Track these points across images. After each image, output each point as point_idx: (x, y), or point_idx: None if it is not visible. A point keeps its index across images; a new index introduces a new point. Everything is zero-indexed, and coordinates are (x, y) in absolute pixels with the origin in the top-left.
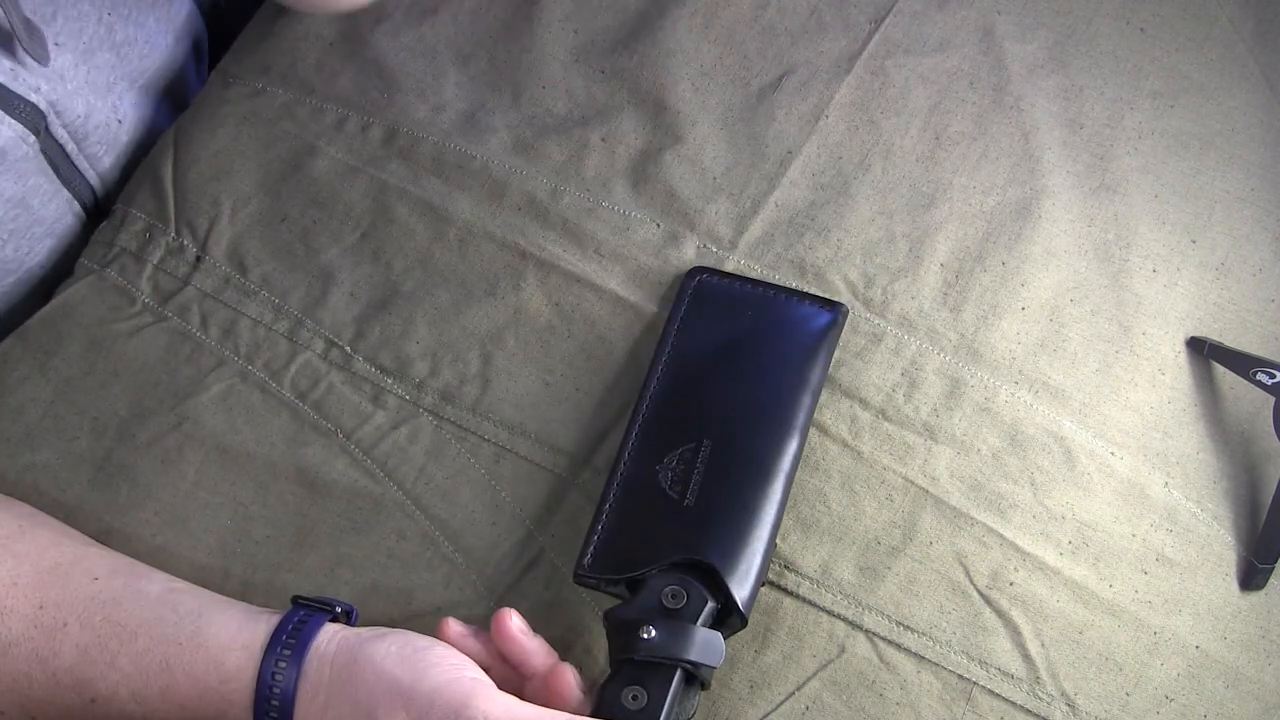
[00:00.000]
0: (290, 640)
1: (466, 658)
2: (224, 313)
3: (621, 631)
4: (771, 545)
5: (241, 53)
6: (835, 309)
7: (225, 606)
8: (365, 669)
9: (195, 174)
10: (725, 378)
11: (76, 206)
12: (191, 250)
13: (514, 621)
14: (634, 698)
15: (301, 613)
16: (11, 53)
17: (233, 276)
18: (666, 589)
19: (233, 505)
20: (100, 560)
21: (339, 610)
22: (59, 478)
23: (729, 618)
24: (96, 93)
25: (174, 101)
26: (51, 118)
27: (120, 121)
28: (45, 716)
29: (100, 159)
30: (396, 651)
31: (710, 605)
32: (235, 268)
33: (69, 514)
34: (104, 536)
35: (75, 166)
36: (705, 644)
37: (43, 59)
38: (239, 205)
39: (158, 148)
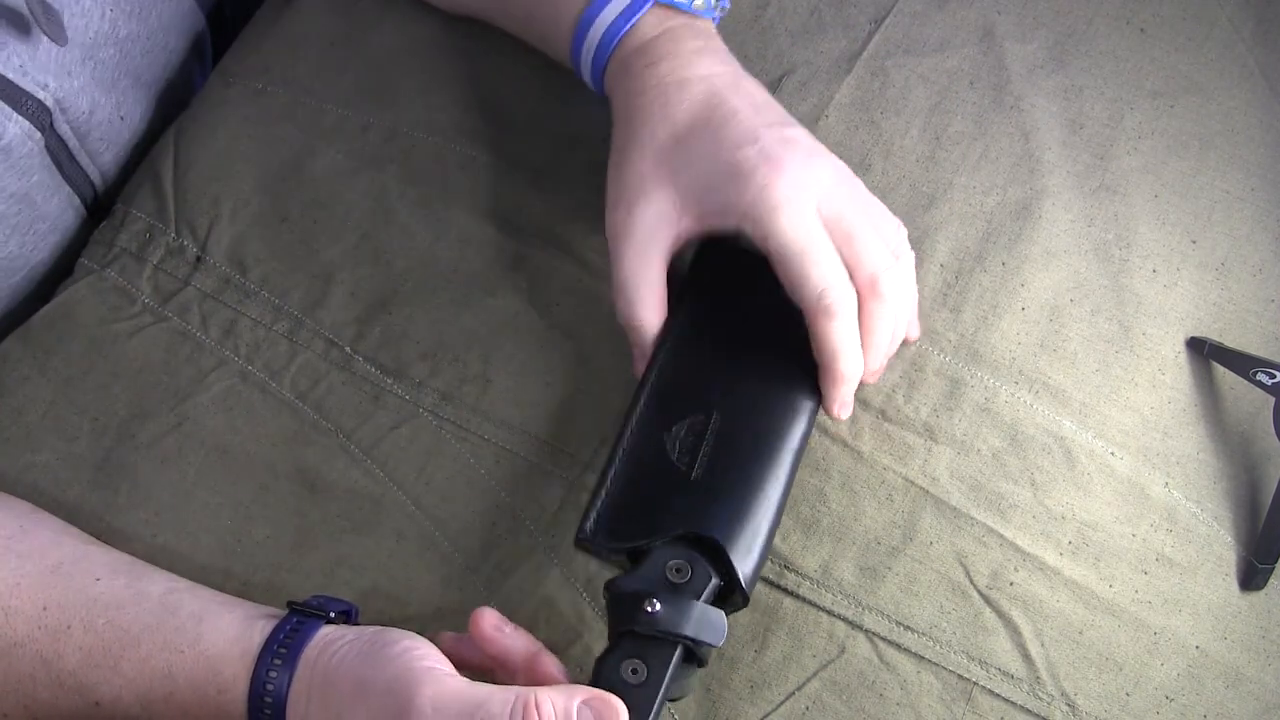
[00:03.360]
0: (281, 650)
1: (433, 649)
2: (224, 313)
3: (623, 603)
4: (776, 524)
5: (241, 53)
6: None
7: (224, 610)
8: (339, 671)
9: (195, 174)
10: (736, 349)
11: (77, 202)
12: (192, 250)
13: (487, 620)
14: (634, 671)
15: (295, 620)
16: (22, 43)
17: (233, 277)
18: (671, 562)
19: (233, 505)
20: (102, 560)
21: (334, 614)
22: (59, 478)
23: (731, 595)
24: (101, 89)
25: (175, 99)
26: (57, 114)
27: (123, 118)
28: (49, 719)
29: (101, 155)
30: (367, 650)
31: (714, 582)
32: (235, 268)
33: (69, 514)
34: (104, 536)
35: (77, 163)
36: (709, 622)
37: (60, 38)
38: (239, 205)
39: (158, 148)
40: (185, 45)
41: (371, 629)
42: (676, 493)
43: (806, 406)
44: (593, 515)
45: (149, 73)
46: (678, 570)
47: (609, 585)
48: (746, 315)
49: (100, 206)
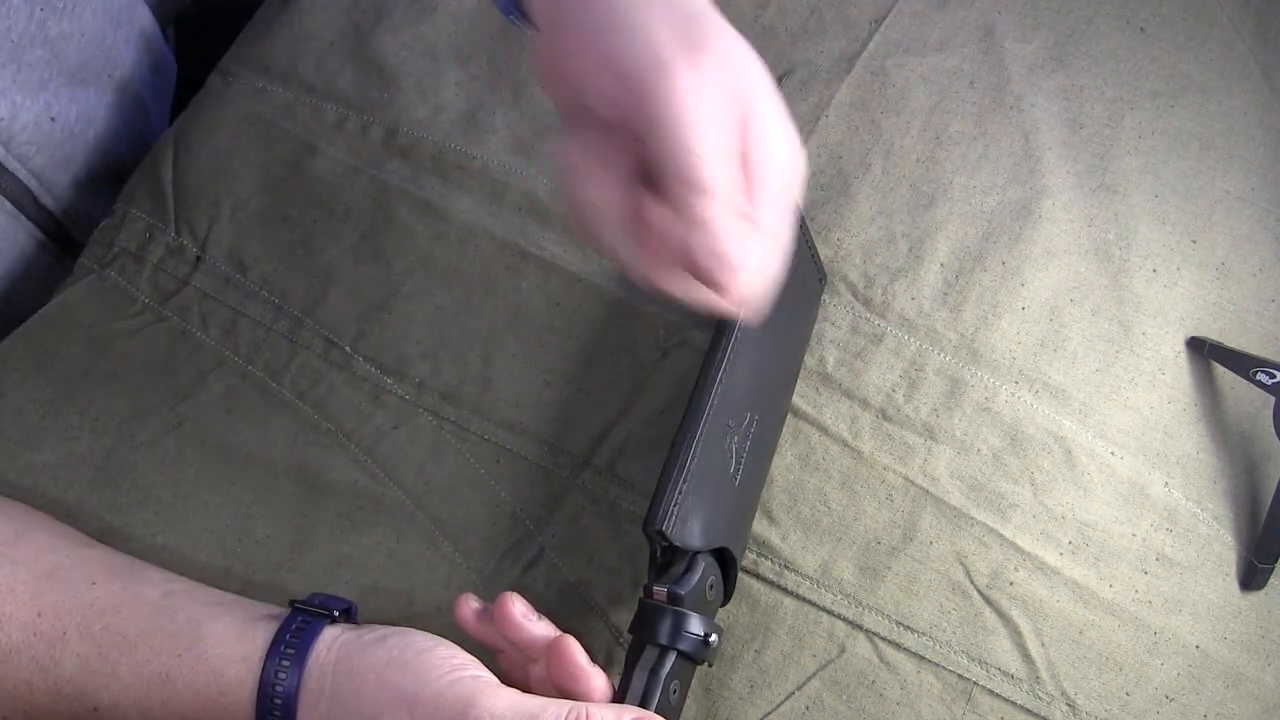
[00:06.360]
0: (288, 650)
1: (469, 657)
2: (224, 313)
3: (679, 622)
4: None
5: (241, 52)
6: (822, 271)
7: (223, 612)
8: (368, 677)
9: (195, 174)
10: (776, 336)
11: (9, 205)
12: (191, 250)
13: (516, 607)
14: (674, 690)
15: (299, 619)
16: None
17: (233, 276)
18: (710, 579)
19: (233, 505)
20: (98, 563)
21: (336, 613)
22: (59, 478)
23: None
24: (26, 92)
25: (121, 93)
26: None
27: (53, 119)
28: None
29: (31, 158)
30: (399, 657)
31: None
32: (235, 268)
33: (69, 514)
34: (104, 536)
35: (4, 166)
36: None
37: None
38: (239, 205)
39: (157, 147)
40: (124, 36)
41: (386, 629)
42: (726, 498)
43: (787, 409)
44: (673, 512)
45: (86, 70)
46: (711, 588)
47: (673, 595)
48: (785, 293)
49: (40, 207)
